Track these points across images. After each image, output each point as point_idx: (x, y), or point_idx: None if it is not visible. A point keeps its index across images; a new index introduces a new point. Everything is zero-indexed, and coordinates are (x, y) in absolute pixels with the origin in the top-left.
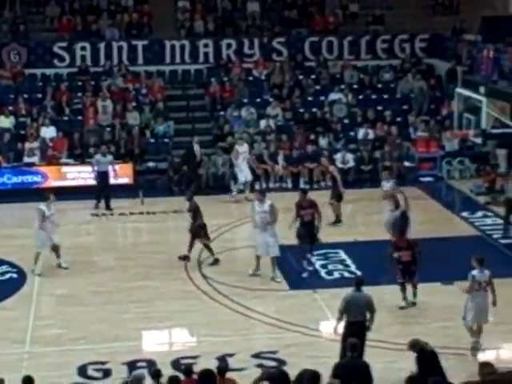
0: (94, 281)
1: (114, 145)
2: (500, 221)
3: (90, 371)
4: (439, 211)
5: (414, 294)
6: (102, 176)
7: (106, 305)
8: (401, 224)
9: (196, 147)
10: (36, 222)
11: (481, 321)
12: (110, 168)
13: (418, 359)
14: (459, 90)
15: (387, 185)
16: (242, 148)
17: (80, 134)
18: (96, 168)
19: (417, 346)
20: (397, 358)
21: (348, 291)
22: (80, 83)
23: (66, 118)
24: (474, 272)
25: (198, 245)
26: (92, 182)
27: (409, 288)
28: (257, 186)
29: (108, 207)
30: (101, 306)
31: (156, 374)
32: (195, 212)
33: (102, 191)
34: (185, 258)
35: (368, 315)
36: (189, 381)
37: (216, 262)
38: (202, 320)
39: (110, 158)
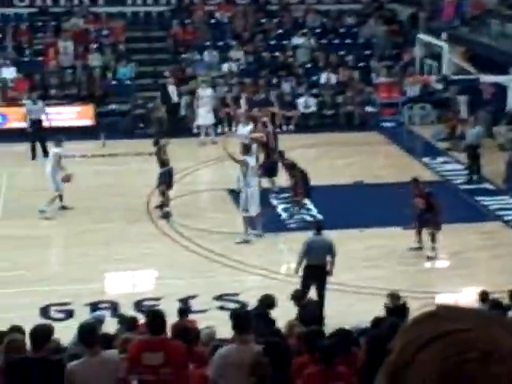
0: (56, 223)
1: (75, 86)
2: (460, 166)
3: (53, 312)
4: (401, 156)
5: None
6: (35, 124)
7: (68, 247)
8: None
9: (171, 88)
10: (49, 165)
11: None
12: (43, 116)
13: (388, 309)
14: (421, 35)
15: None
16: (205, 92)
17: (41, 75)
18: (28, 116)
19: (393, 299)
20: (357, 300)
21: (309, 235)
22: (40, 24)
23: (26, 59)
24: None
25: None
26: (53, 123)
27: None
28: (218, 130)
29: (45, 152)
30: (63, 248)
31: (121, 321)
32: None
33: (36, 140)
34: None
35: (329, 259)
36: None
37: (167, 215)
38: (165, 262)
39: (40, 104)
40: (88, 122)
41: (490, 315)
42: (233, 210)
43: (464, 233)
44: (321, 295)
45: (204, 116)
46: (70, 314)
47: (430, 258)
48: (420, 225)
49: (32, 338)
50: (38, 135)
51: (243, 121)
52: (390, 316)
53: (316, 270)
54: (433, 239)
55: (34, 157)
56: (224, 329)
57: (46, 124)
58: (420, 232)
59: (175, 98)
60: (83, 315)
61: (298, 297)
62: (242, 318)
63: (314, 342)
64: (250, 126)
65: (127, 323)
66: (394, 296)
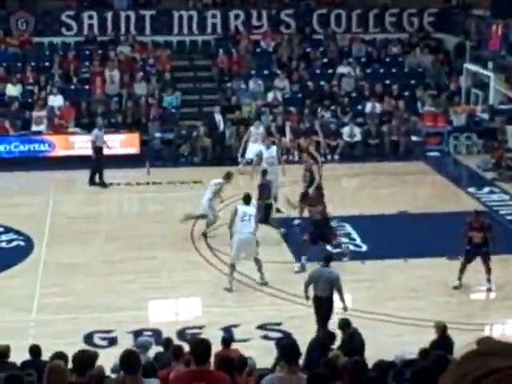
0: (101, 250)
1: (121, 114)
2: (507, 197)
3: (96, 339)
4: (446, 186)
5: (487, 274)
6: (99, 151)
7: (112, 274)
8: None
9: (217, 117)
10: (209, 193)
11: None
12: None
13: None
14: (467, 65)
15: None
16: (258, 130)
17: (87, 103)
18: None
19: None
20: (401, 331)
21: (353, 264)
22: (87, 52)
23: (73, 87)
24: None
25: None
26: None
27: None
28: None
29: (100, 179)
30: (107, 275)
31: (167, 344)
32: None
33: (98, 167)
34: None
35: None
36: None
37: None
38: (208, 290)
39: (103, 132)
40: (133, 150)
41: None
42: (277, 239)
43: (511, 264)
44: (323, 326)
45: (253, 150)
46: (113, 342)
47: (489, 290)
48: (469, 259)
49: (75, 364)
50: (100, 162)
51: (266, 143)
52: (435, 348)
53: (320, 301)
54: (489, 271)
55: (92, 183)
56: (265, 359)
57: (105, 151)
58: (465, 267)
59: (221, 127)
60: (126, 343)
61: (343, 326)
62: (289, 348)
63: (359, 373)
64: (274, 148)
65: (173, 351)
66: (439, 327)
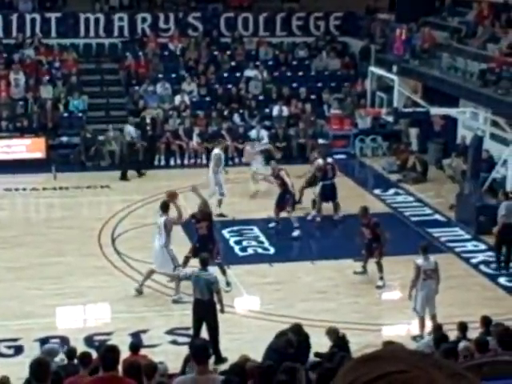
0: (6, 256)
1: (26, 119)
2: (411, 198)
3: (2, 348)
4: (352, 188)
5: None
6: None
7: (17, 281)
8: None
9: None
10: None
11: (431, 309)
12: None
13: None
14: (372, 68)
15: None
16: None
17: None
18: None
19: (333, 334)
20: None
21: (260, 267)
22: None
23: None
24: (419, 261)
25: (113, 220)
26: (3, 156)
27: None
28: (171, 162)
29: None
30: (13, 282)
31: (70, 355)
32: None
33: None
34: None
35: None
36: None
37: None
38: (116, 296)
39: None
40: (39, 154)
41: (429, 357)
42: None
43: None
44: (212, 329)
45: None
46: (19, 350)
47: (378, 288)
48: (368, 254)
49: None
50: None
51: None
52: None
53: (201, 305)
54: (380, 269)
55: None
56: (175, 364)
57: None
58: (367, 260)
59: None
60: (33, 351)
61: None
62: (200, 348)
63: (268, 377)
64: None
65: (81, 358)
66: (331, 331)
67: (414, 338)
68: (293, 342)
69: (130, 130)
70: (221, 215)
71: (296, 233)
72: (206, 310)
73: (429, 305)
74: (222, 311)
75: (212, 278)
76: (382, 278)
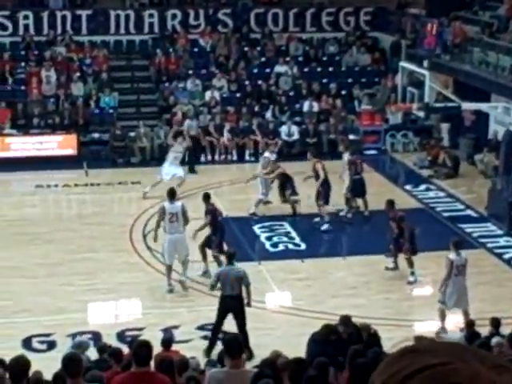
0: (38, 253)
1: (58, 115)
2: (442, 194)
3: (35, 343)
4: (383, 184)
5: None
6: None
7: (49, 277)
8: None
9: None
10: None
11: (464, 305)
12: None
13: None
14: (403, 63)
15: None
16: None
17: (23, 104)
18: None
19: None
20: None
21: (291, 263)
22: (23, 52)
23: (8, 88)
24: (452, 256)
25: (144, 216)
26: (35, 152)
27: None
28: (202, 158)
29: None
30: (45, 278)
31: (101, 350)
32: None
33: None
34: None
35: (244, 289)
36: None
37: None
38: (147, 292)
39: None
40: (71, 151)
41: (468, 348)
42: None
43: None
44: (241, 326)
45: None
46: (52, 345)
47: (409, 283)
48: (395, 248)
49: (10, 372)
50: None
51: None
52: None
53: (230, 300)
54: (410, 265)
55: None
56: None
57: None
58: (396, 255)
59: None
60: (65, 346)
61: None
62: (232, 342)
63: (300, 372)
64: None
65: (113, 353)
66: (362, 328)
67: (437, 333)
68: (333, 328)
69: (192, 124)
70: (253, 214)
71: (325, 226)
72: (237, 305)
73: (461, 300)
74: (249, 305)
75: (241, 272)
76: (413, 274)
